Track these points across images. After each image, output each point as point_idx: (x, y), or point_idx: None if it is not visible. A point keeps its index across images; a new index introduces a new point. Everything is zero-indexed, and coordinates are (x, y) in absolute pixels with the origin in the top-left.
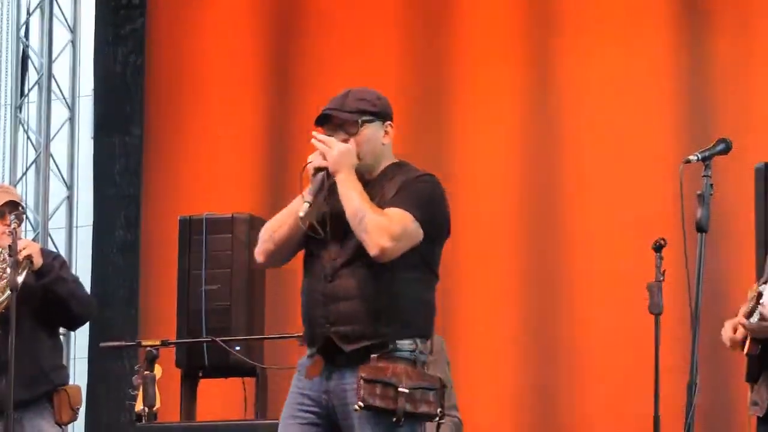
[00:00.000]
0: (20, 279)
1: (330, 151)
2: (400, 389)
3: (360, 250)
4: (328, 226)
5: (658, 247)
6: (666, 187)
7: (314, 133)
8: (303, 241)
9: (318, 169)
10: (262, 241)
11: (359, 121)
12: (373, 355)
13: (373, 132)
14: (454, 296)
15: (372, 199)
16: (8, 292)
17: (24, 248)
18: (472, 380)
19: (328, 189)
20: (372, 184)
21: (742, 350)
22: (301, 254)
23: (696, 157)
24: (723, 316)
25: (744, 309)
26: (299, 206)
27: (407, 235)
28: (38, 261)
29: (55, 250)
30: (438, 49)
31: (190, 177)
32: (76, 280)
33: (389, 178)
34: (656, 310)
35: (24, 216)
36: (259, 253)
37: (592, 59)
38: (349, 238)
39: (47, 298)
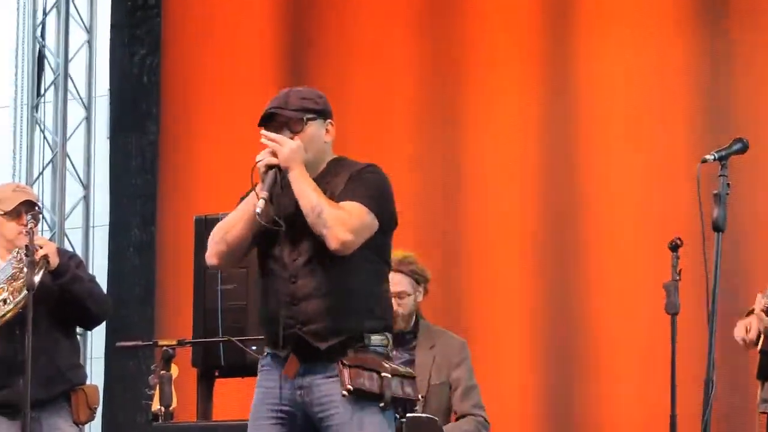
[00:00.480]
0: (37, 279)
1: (281, 148)
2: (384, 374)
3: (318, 247)
4: (283, 225)
5: (675, 247)
6: (683, 187)
7: (263, 131)
8: (255, 240)
9: (269, 167)
10: (213, 243)
11: (304, 118)
12: (350, 350)
13: (316, 130)
14: (468, 295)
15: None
16: (25, 291)
17: (40, 248)
18: (488, 379)
19: (281, 185)
20: (317, 181)
21: (756, 347)
22: None
23: (713, 157)
24: (740, 315)
25: (763, 301)
26: (252, 205)
27: (365, 226)
28: (55, 261)
29: (71, 249)
30: (453, 47)
31: (206, 176)
32: (92, 279)
33: (334, 173)
34: (673, 310)
35: (40, 216)
36: (211, 256)
37: (609, 58)
38: (304, 236)
39: (64, 297)
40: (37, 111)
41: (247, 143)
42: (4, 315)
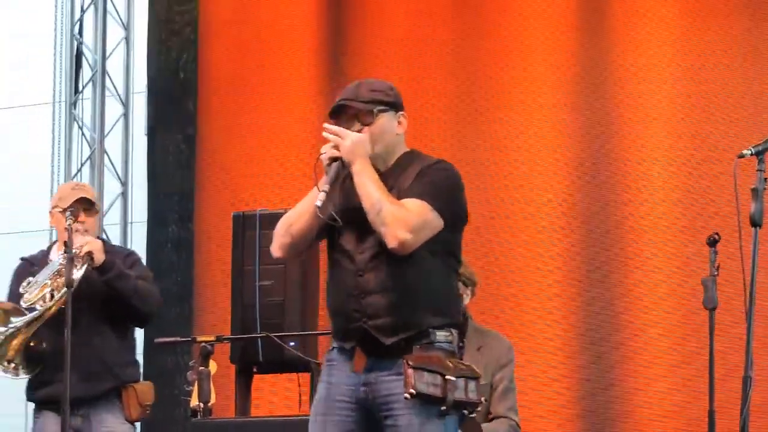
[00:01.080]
0: (78, 275)
1: (343, 141)
2: (448, 377)
3: (381, 242)
4: (347, 218)
5: (713, 242)
6: (721, 182)
7: (325, 124)
8: (321, 232)
9: (332, 159)
10: (278, 235)
11: (374, 110)
12: (415, 346)
13: (387, 122)
14: (506, 290)
15: (389, 189)
16: (64, 288)
17: (84, 245)
18: (527, 373)
19: (343, 179)
20: (387, 174)
21: None
22: None
23: (750, 152)
24: None
25: None
26: (315, 197)
27: (426, 225)
28: (99, 257)
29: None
30: (488, 41)
31: (243, 173)
32: (145, 277)
33: (404, 167)
34: (711, 305)
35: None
36: (276, 248)
37: (650, 53)
38: (371, 230)
39: (111, 294)
40: (75, 108)
41: (284, 139)
42: (48, 309)
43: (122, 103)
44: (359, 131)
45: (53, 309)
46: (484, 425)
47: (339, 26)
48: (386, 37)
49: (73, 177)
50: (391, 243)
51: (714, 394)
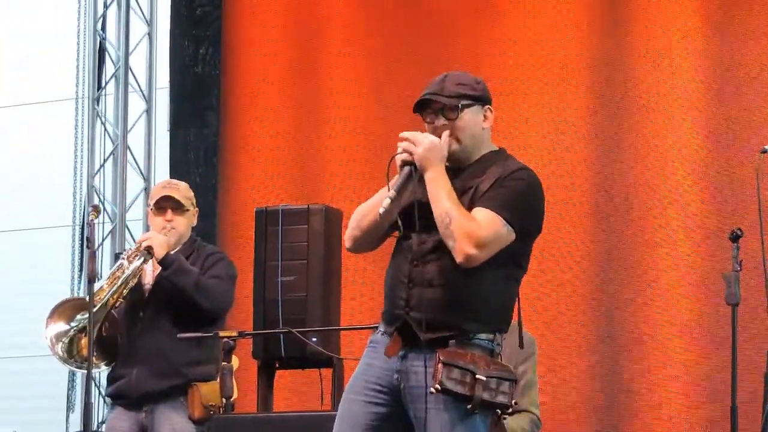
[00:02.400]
0: (132, 267)
1: (416, 148)
2: (478, 376)
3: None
4: (416, 216)
5: (735, 237)
6: (744, 177)
7: (401, 134)
8: (391, 227)
9: (405, 163)
10: (350, 227)
11: (459, 105)
12: (451, 342)
13: (473, 116)
14: (525, 283)
15: (468, 189)
16: (120, 282)
17: (145, 240)
18: (545, 368)
19: (416, 182)
20: (469, 170)
21: None
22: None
23: None
24: None
25: None
26: (386, 194)
27: (497, 239)
28: (159, 253)
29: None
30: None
31: (266, 168)
32: (218, 275)
33: (486, 167)
34: (733, 301)
35: (101, 208)
36: (347, 239)
37: (674, 47)
38: (436, 226)
39: (175, 291)
40: (98, 104)
41: (307, 134)
42: (105, 303)
43: (145, 98)
44: (443, 126)
45: (111, 301)
46: (508, 420)
47: (361, 18)
48: (411, 28)
49: (96, 173)
50: (459, 258)
51: (736, 390)
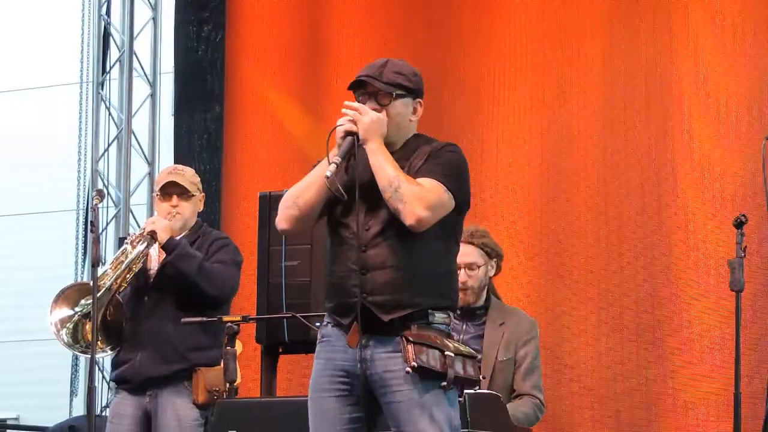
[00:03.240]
0: (135, 252)
1: (362, 117)
2: (447, 353)
3: (392, 219)
4: (356, 194)
5: (739, 224)
6: (749, 163)
7: (346, 102)
8: (326, 207)
9: (347, 133)
10: (284, 207)
11: (393, 94)
12: (413, 325)
13: (403, 107)
14: (531, 271)
15: (400, 168)
16: (123, 267)
17: (149, 225)
18: (554, 353)
19: (355, 155)
20: (397, 154)
21: None
22: None
23: None
24: None
25: None
26: (323, 170)
27: (442, 204)
28: (162, 237)
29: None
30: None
31: (270, 153)
32: (223, 260)
33: (412, 149)
34: (737, 287)
35: (105, 192)
36: (281, 220)
37: (680, 34)
38: (379, 207)
39: (179, 275)
40: (102, 88)
41: (312, 118)
42: (109, 288)
43: (149, 83)
44: (374, 110)
45: (114, 286)
46: (510, 405)
47: (367, 6)
48: (414, 16)
49: (100, 158)
50: (409, 220)
51: (740, 376)
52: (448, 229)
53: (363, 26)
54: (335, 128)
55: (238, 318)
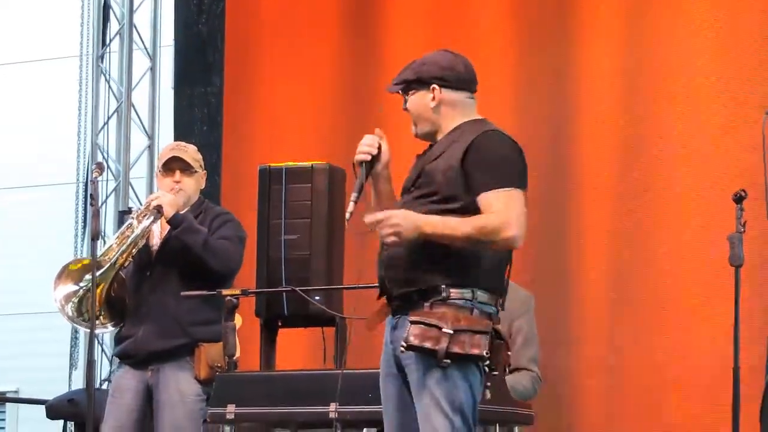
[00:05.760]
0: (141, 227)
1: (401, 224)
2: (444, 330)
3: (414, 198)
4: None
5: (739, 199)
6: (749, 138)
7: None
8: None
9: (360, 162)
10: None
11: (399, 92)
12: (426, 303)
13: (418, 99)
14: (532, 245)
15: (439, 156)
16: (129, 241)
17: (154, 199)
18: (552, 331)
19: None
20: (442, 146)
21: None
22: None
23: None
24: None
25: None
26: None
27: (514, 207)
28: (168, 212)
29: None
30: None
31: (270, 126)
32: (226, 236)
33: (457, 135)
34: (737, 262)
35: (105, 166)
36: None
37: (680, 9)
38: (415, 190)
39: (184, 250)
40: (102, 61)
41: (311, 93)
42: (114, 263)
43: (149, 56)
44: (406, 110)
45: (120, 261)
46: (509, 378)
47: None
48: None
49: (100, 131)
50: (511, 247)
51: (739, 351)
52: (474, 209)
53: (357, 3)
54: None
55: (238, 292)
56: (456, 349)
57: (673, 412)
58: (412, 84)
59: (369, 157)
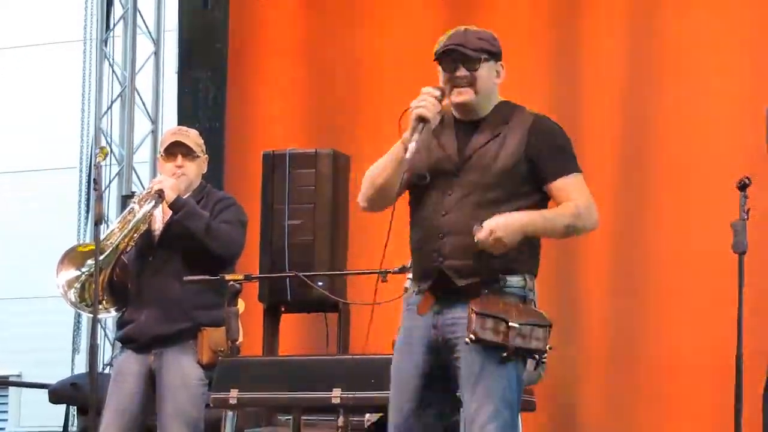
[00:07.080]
0: (143, 210)
1: (496, 229)
2: (511, 324)
3: (473, 184)
4: (435, 168)
5: (743, 186)
6: (751, 127)
7: (424, 89)
8: (406, 184)
9: (421, 119)
10: (364, 187)
11: (481, 58)
12: (484, 291)
13: (488, 70)
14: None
15: (496, 137)
16: (131, 225)
17: (156, 183)
18: (554, 315)
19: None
20: (487, 120)
21: None
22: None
23: None
24: None
25: None
26: (399, 152)
27: (586, 189)
28: (170, 196)
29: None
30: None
31: (274, 111)
32: (228, 220)
33: (503, 118)
34: (740, 249)
35: (109, 150)
36: (361, 200)
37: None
38: (460, 173)
39: (186, 234)
40: (106, 46)
41: (315, 79)
42: (116, 247)
43: (153, 41)
44: (464, 76)
45: (122, 245)
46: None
47: None
48: None
49: (103, 115)
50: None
51: (742, 338)
52: (539, 199)
53: None
54: (407, 110)
55: (241, 277)
56: (519, 343)
57: (675, 397)
58: (489, 56)
59: (430, 116)
